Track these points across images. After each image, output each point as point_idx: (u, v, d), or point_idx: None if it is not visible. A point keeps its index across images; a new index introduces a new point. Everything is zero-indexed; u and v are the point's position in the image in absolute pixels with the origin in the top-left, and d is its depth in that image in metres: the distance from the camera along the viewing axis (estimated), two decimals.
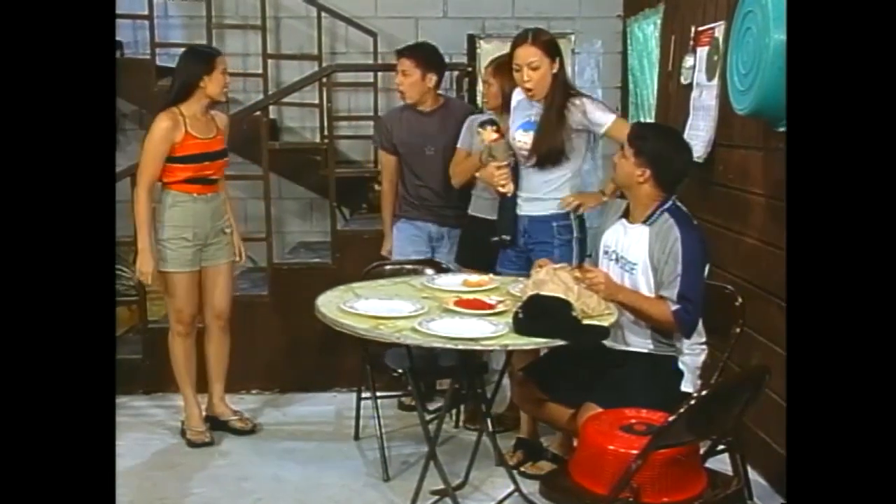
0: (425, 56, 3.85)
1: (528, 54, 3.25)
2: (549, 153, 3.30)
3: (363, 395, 3.73)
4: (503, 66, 3.53)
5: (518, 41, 3.31)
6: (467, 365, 3.10)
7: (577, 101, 3.30)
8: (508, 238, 3.44)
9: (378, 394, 3.61)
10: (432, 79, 3.84)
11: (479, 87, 5.31)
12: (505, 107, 3.56)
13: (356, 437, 3.79)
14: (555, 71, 3.29)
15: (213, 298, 3.77)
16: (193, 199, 3.62)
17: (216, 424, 3.84)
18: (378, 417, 3.57)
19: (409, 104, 3.92)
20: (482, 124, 3.42)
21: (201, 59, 3.62)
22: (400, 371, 3.38)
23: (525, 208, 3.41)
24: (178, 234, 3.60)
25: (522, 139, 3.36)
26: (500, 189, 3.39)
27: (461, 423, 3.89)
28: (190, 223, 3.62)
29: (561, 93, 3.30)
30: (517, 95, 3.45)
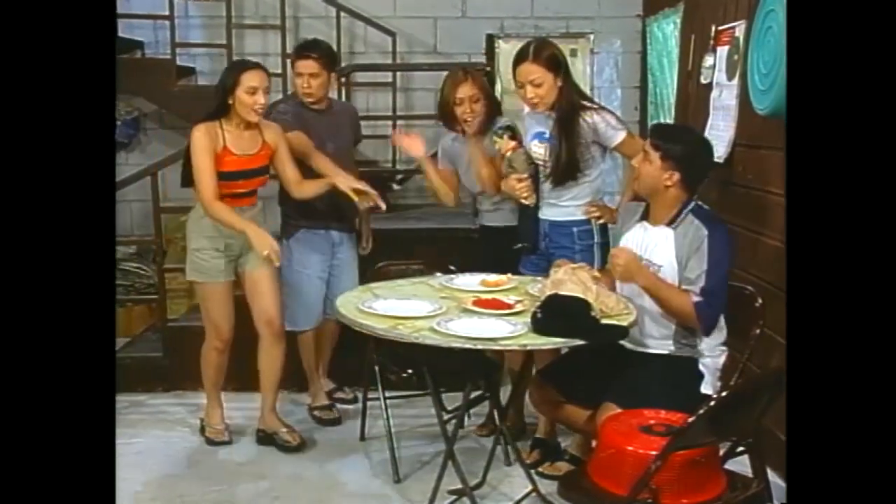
0: (330, 56, 3.78)
1: (530, 71, 3.21)
2: (565, 173, 3.27)
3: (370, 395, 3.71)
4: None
5: (518, 59, 3.26)
6: (477, 366, 3.10)
7: (589, 119, 3.25)
8: (529, 245, 3.43)
9: (387, 394, 3.57)
10: (332, 78, 3.79)
11: (497, 87, 5.35)
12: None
13: (362, 438, 3.78)
14: (559, 84, 3.24)
15: (260, 304, 3.62)
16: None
17: (263, 439, 3.74)
18: (387, 418, 3.52)
19: (301, 102, 3.79)
20: (498, 132, 3.37)
21: (229, 75, 3.44)
22: (410, 371, 3.37)
23: (546, 213, 3.39)
24: (210, 244, 3.50)
25: (538, 150, 3.34)
26: (523, 201, 3.37)
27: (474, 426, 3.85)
28: (222, 234, 3.49)
29: (569, 105, 3.25)
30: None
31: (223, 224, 3.42)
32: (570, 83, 3.30)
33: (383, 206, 3.62)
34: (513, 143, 3.33)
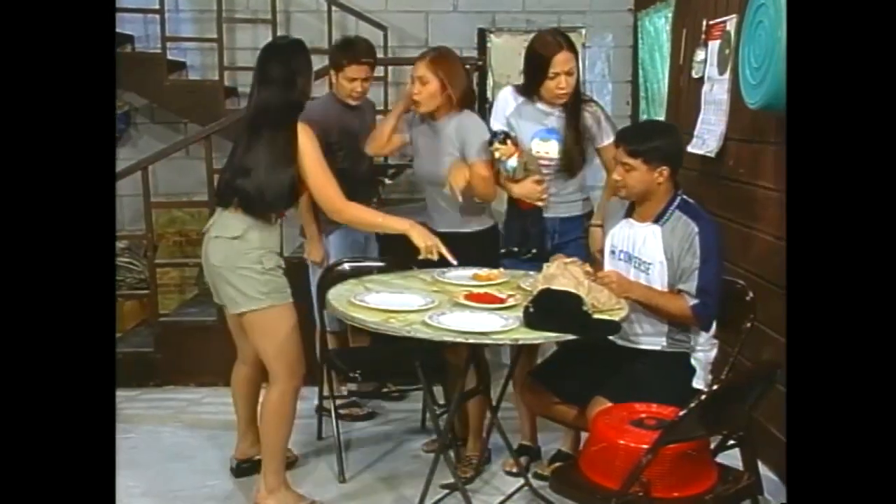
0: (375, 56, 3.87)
1: (567, 59, 3.16)
2: (579, 160, 3.28)
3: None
4: (445, 62, 3.39)
5: (553, 49, 3.16)
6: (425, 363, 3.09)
7: (592, 109, 3.29)
8: (524, 249, 3.30)
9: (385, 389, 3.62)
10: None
11: (489, 81, 5.36)
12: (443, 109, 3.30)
13: (319, 437, 3.70)
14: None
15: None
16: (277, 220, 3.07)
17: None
18: (336, 420, 3.47)
19: (336, 99, 3.79)
20: (499, 139, 3.17)
21: (306, 55, 3.02)
22: (359, 372, 3.37)
23: (557, 210, 3.31)
24: (278, 261, 3.00)
25: (542, 148, 3.26)
26: (539, 203, 3.23)
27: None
28: (278, 249, 3.08)
29: (578, 96, 3.29)
30: (511, 99, 3.33)
31: (373, 227, 3.00)
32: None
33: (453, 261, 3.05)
34: (515, 148, 3.17)
